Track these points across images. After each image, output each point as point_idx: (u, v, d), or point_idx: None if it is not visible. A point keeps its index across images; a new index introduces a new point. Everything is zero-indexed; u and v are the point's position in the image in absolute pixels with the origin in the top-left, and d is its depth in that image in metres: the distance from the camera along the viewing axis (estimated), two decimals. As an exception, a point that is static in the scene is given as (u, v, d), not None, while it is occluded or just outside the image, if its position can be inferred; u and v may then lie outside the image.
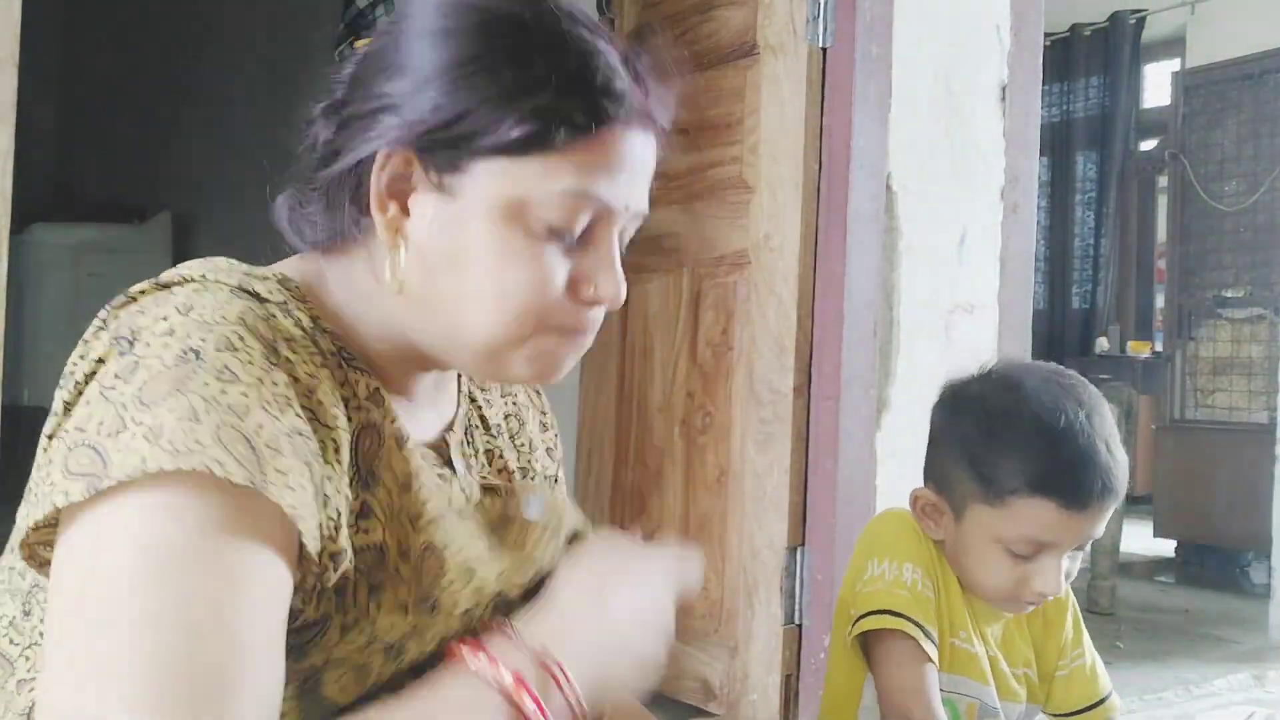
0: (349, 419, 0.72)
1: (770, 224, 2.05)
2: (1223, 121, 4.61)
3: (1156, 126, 5.92)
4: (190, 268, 0.73)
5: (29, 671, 0.67)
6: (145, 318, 0.66)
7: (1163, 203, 5.54)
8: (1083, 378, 1.13)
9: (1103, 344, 5.97)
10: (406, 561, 0.72)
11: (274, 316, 0.69)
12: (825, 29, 2.02)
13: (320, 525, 0.64)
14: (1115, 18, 6.31)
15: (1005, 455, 1.08)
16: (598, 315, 0.77)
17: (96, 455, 0.59)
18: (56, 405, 0.67)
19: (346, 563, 0.67)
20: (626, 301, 0.79)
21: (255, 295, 0.70)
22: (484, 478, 0.86)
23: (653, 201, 0.79)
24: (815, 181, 2.02)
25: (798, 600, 2.02)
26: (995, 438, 1.09)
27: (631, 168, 0.74)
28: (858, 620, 1.11)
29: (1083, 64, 6.45)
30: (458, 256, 0.72)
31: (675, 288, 2.26)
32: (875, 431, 2.00)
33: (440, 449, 0.82)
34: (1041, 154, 3.41)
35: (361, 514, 0.71)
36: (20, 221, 1.88)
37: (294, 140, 0.83)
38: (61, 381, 0.68)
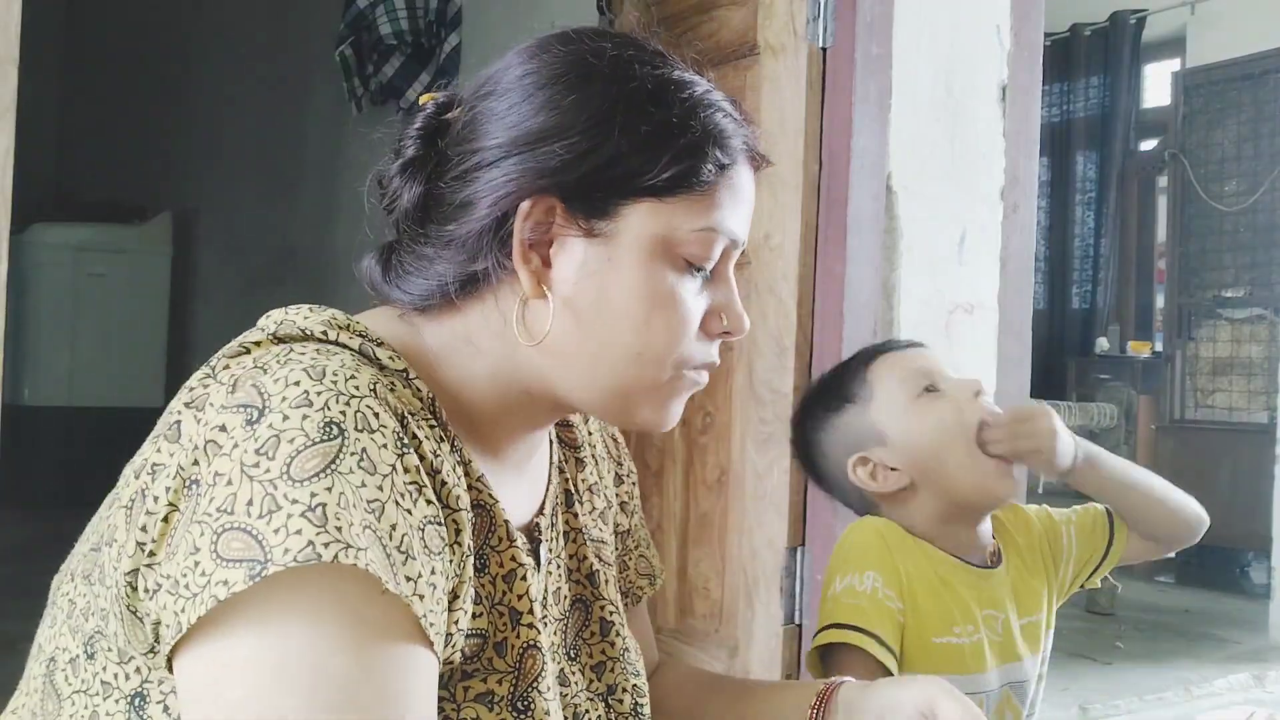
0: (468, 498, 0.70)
1: (770, 224, 2.05)
2: (1223, 121, 4.61)
3: (1156, 126, 5.93)
4: (304, 319, 0.70)
5: (74, 716, 0.65)
6: (271, 380, 0.61)
7: (1163, 203, 5.54)
8: None
9: (1103, 344, 5.97)
10: (501, 656, 0.71)
11: (397, 387, 0.67)
12: (825, 29, 2.02)
13: (444, 622, 0.63)
14: (1115, 18, 6.31)
15: (860, 367, 1.18)
16: (717, 353, 0.78)
17: (252, 540, 0.56)
18: (155, 456, 0.62)
19: (454, 647, 0.66)
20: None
21: (378, 362, 0.68)
22: (571, 579, 0.85)
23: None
24: (815, 181, 2.02)
25: (798, 600, 2.02)
26: (827, 379, 1.22)
27: (748, 202, 0.78)
28: (816, 634, 1.11)
29: (1083, 64, 6.46)
30: (606, 300, 0.72)
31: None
32: (875, 431, 2.00)
33: (531, 534, 0.81)
34: (1041, 154, 3.41)
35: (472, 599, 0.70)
36: (20, 221, 1.88)
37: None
38: (160, 430, 0.64)
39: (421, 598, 0.60)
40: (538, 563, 0.80)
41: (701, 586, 2.18)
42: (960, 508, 1.16)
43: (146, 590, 0.60)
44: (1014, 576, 1.20)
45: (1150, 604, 3.95)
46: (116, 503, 0.64)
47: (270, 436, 0.58)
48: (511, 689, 0.71)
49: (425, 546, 0.61)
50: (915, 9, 2.02)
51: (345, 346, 0.67)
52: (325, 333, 0.68)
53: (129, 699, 0.63)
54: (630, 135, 0.71)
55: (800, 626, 2.02)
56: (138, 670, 0.62)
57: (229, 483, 0.58)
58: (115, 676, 0.63)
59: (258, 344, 0.67)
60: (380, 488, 0.59)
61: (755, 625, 2.06)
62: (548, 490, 0.85)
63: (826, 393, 1.21)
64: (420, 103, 0.78)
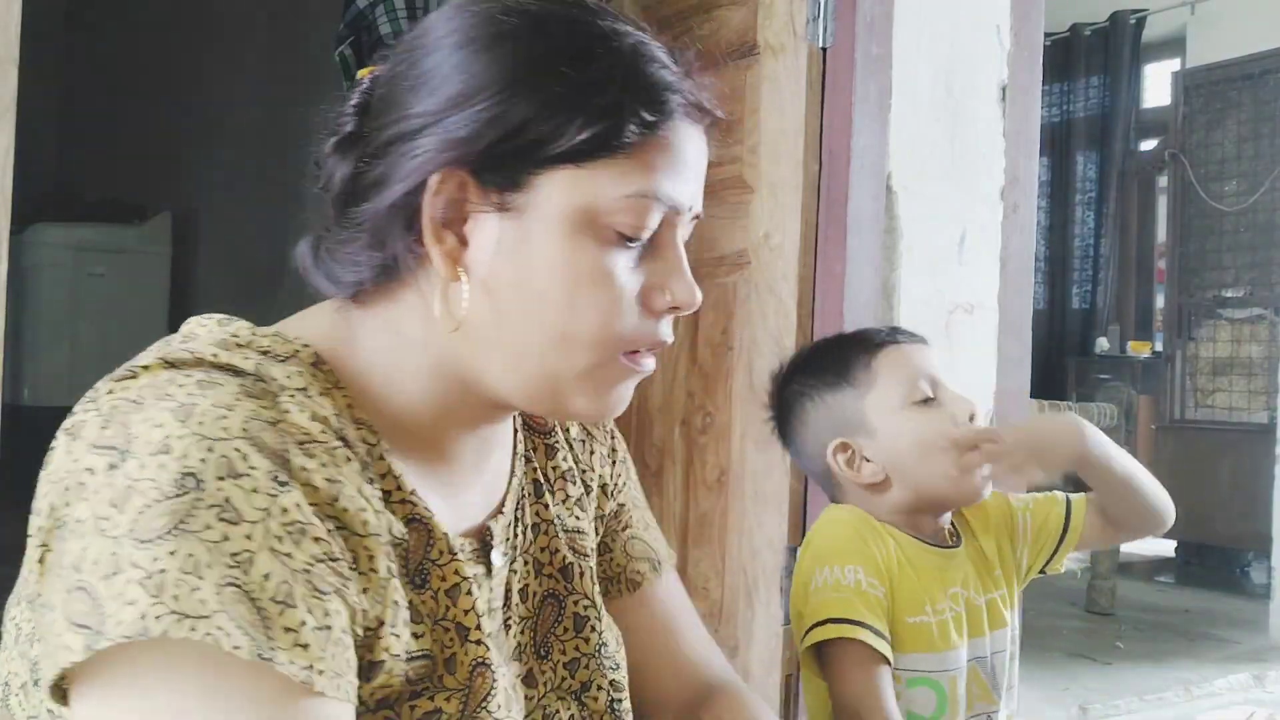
0: (392, 512, 0.67)
1: (770, 224, 2.05)
2: (1223, 121, 4.61)
3: (1156, 126, 5.92)
4: (201, 340, 0.67)
5: None
6: (139, 419, 0.59)
7: (1163, 203, 5.54)
8: None
9: (1103, 344, 5.97)
10: (451, 673, 0.69)
11: (288, 414, 0.62)
12: (825, 29, 2.02)
13: (348, 661, 0.60)
14: (1115, 18, 6.31)
15: (848, 353, 1.18)
16: (668, 331, 0.72)
17: (92, 604, 0.55)
18: (43, 488, 0.61)
19: (389, 673, 0.64)
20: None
21: (271, 383, 0.64)
22: (542, 574, 0.81)
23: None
24: (815, 181, 2.02)
25: (798, 600, 2.02)
26: (821, 368, 1.20)
27: (693, 165, 0.71)
28: (807, 633, 1.11)
29: (1083, 64, 6.46)
30: (525, 280, 0.67)
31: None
32: (875, 431, 2.00)
33: (483, 537, 0.76)
34: (1041, 154, 3.41)
35: (411, 618, 0.66)
36: (20, 221, 1.88)
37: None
38: (48, 460, 0.62)
39: (305, 647, 0.56)
40: (489, 568, 0.75)
41: (701, 586, 2.18)
42: (930, 504, 1.19)
43: (31, 633, 0.60)
44: (972, 555, 1.22)
45: (1150, 604, 3.94)
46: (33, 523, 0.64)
47: (125, 486, 0.56)
48: (461, 706, 0.68)
49: (313, 589, 0.58)
50: (915, 9, 2.02)
51: (238, 370, 0.64)
52: (216, 355, 0.64)
53: None
54: (539, 98, 0.65)
55: (800, 626, 2.02)
56: None
57: (82, 535, 0.56)
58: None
59: (146, 368, 0.63)
60: (249, 536, 0.56)
61: (755, 625, 2.06)
62: (509, 485, 0.80)
63: (824, 365, 1.20)
64: (360, 76, 0.74)
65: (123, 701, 0.55)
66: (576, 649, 0.82)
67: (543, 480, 0.84)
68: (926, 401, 1.15)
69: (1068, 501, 1.26)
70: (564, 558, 0.83)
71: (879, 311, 1.98)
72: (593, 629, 0.83)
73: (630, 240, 0.68)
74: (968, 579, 1.19)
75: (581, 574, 0.84)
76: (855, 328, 1.30)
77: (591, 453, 0.91)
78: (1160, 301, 5.76)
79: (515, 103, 0.65)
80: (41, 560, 0.60)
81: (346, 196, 0.71)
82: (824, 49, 2.02)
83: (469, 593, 0.71)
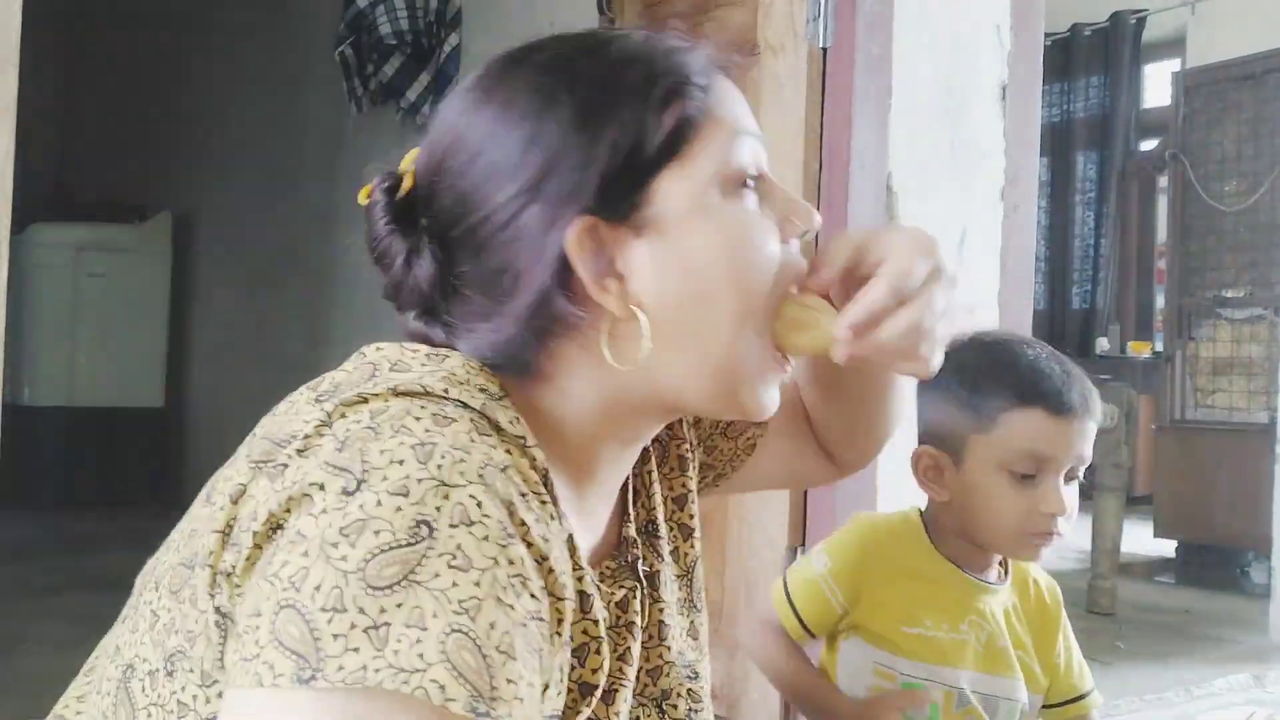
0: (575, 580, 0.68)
1: (770, 224, 2.05)
2: (1223, 121, 4.61)
3: (1157, 126, 5.93)
4: (429, 372, 0.66)
5: None
6: (377, 451, 0.59)
7: (1163, 203, 5.54)
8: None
9: (1103, 344, 5.99)
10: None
11: (513, 463, 0.62)
12: (825, 29, 2.02)
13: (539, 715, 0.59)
14: (1115, 17, 6.32)
15: (991, 380, 1.15)
16: (803, 260, 0.76)
17: (309, 635, 0.54)
18: (253, 488, 0.61)
19: None
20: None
21: (496, 426, 0.64)
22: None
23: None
24: (815, 181, 2.02)
25: (798, 600, 2.02)
26: (980, 372, 1.16)
27: (742, 100, 0.75)
28: (776, 586, 1.25)
29: (1083, 64, 6.46)
30: (690, 275, 0.69)
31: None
32: (875, 431, 2.00)
33: (613, 565, 0.79)
34: (1041, 154, 3.41)
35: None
36: (20, 221, 1.88)
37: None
38: (256, 454, 0.63)
39: (521, 700, 0.56)
40: (641, 600, 0.78)
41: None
42: (979, 547, 1.20)
43: (234, 629, 0.59)
44: (1014, 608, 1.23)
45: (1150, 604, 3.94)
46: (212, 524, 0.63)
47: (358, 520, 0.56)
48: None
49: (528, 644, 0.58)
50: (915, 9, 2.02)
51: (466, 406, 0.64)
52: (446, 390, 0.64)
53: None
54: (612, 122, 0.69)
55: (800, 626, 2.03)
56: (220, 695, 0.61)
57: (305, 554, 0.56)
58: (194, 699, 0.62)
59: (378, 395, 0.63)
60: (478, 583, 0.56)
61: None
62: (635, 502, 0.82)
63: (983, 370, 1.16)
64: (361, 200, 0.74)
65: None
66: (660, 656, 0.82)
67: (656, 521, 0.86)
68: (1026, 478, 1.13)
69: (1092, 694, 1.26)
70: (651, 563, 0.83)
71: (879, 311, 1.98)
72: (674, 637, 0.83)
73: (748, 183, 0.72)
74: (999, 618, 1.19)
75: (665, 582, 0.84)
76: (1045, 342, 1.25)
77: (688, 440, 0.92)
78: (1160, 301, 5.76)
79: (596, 139, 0.68)
80: (250, 559, 0.59)
81: (442, 288, 0.71)
82: (824, 49, 2.02)
83: (597, 652, 0.71)
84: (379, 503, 0.56)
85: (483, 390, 0.66)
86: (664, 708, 0.82)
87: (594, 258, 0.69)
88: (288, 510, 0.58)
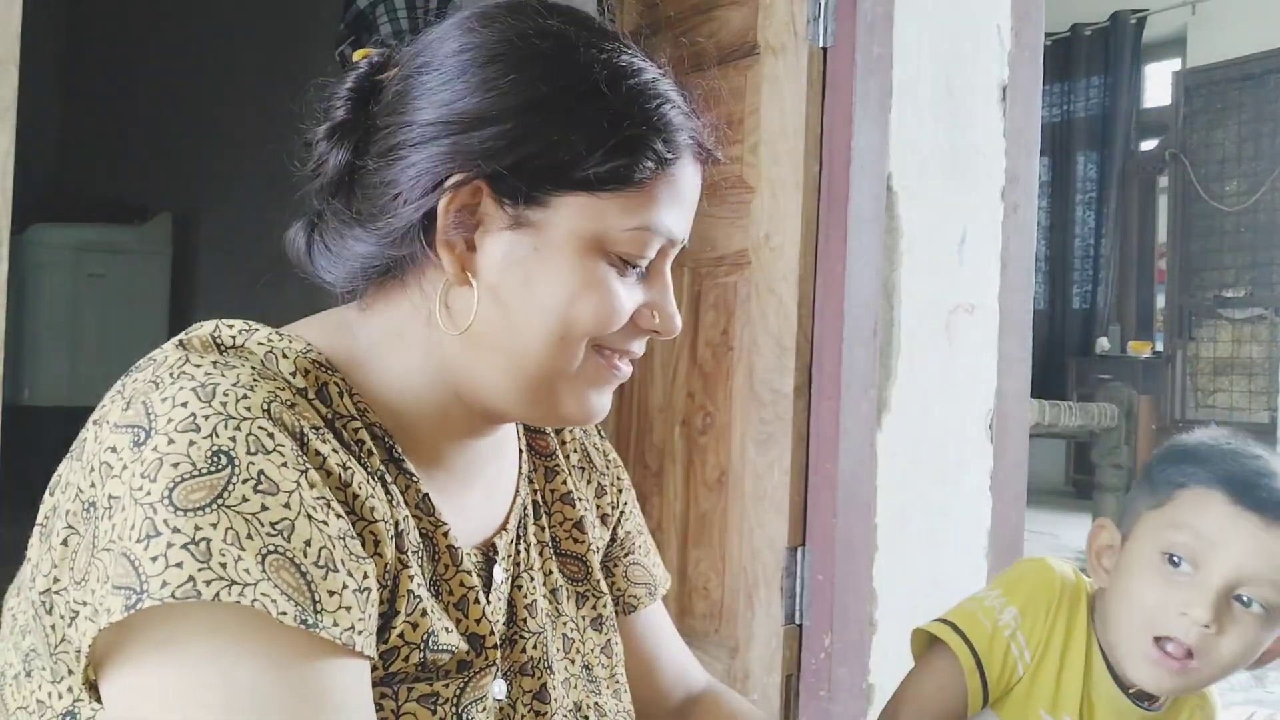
0: (415, 517, 0.70)
1: (770, 224, 2.05)
2: (1223, 121, 4.61)
3: (1157, 126, 5.93)
4: (207, 329, 0.68)
5: None
6: (159, 398, 0.60)
7: (1163, 203, 5.54)
8: None
9: (1103, 344, 5.98)
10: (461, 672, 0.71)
11: (299, 402, 0.64)
12: (825, 29, 2.02)
13: (375, 623, 0.63)
14: (1116, 17, 6.32)
15: (1178, 457, 1.01)
16: (641, 346, 0.76)
17: (130, 566, 0.55)
18: (66, 472, 0.63)
19: (405, 659, 0.66)
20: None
21: (280, 375, 0.66)
22: (537, 597, 0.82)
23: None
24: (815, 181, 2.02)
25: (798, 600, 2.02)
26: (1172, 449, 1.03)
27: (691, 201, 0.75)
28: (932, 622, 1.05)
29: (1083, 64, 6.46)
30: (531, 291, 0.69)
31: (675, 288, 2.26)
32: (875, 431, 2.00)
33: (487, 552, 0.78)
34: (1041, 154, 3.41)
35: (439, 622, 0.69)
36: (20, 221, 1.88)
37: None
38: (75, 444, 0.64)
39: (348, 610, 0.58)
40: (488, 585, 0.77)
41: (701, 586, 2.18)
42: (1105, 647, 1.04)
43: (62, 616, 0.60)
44: None
45: (1150, 604, 3.94)
46: (38, 519, 0.64)
47: (155, 460, 0.57)
48: (459, 691, 0.69)
49: (350, 554, 0.60)
50: (915, 9, 2.02)
51: (250, 354, 0.66)
52: (234, 337, 0.67)
53: (60, 718, 0.62)
54: (567, 124, 0.68)
55: (800, 626, 2.02)
56: (70, 689, 0.61)
57: (119, 510, 0.57)
58: (49, 695, 0.62)
59: (161, 350, 0.66)
60: (287, 505, 0.58)
61: (755, 625, 2.06)
62: (513, 503, 0.82)
63: (1181, 454, 1.02)
64: (354, 59, 0.75)
65: (161, 667, 0.55)
66: (565, 669, 0.83)
67: (540, 502, 0.86)
68: (1176, 564, 0.96)
69: None
70: (555, 580, 0.85)
71: (879, 311, 1.98)
72: (577, 651, 0.84)
73: (631, 266, 0.72)
74: None
75: (568, 597, 0.86)
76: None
77: (589, 482, 0.92)
78: (1161, 301, 5.76)
79: (543, 124, 0.68)
80: (65, 543, 0.60)
81: (341, 186, 0.73)
82: (824, 49, 2.02)
83: (475, 601, 0.72)
84: (170, 440, 0.58)
85: (270, 352, 0.67)
86: (533, 673, 0.82)
87: (461, 215, 0.69)
88: (93, 485, 0.60)
